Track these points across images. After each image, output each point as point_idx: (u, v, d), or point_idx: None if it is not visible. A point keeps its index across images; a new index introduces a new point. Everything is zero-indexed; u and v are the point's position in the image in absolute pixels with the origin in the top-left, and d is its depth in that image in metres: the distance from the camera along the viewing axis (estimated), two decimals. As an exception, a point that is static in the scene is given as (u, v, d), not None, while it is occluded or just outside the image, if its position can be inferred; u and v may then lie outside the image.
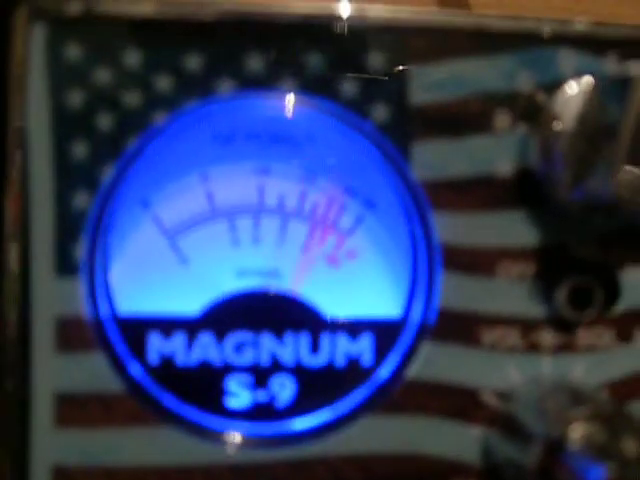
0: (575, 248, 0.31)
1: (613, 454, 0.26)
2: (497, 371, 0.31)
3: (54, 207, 0.30)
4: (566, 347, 0.31)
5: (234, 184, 0.32)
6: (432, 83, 0.30)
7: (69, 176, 0.30)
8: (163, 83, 0.30)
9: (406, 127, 0.30)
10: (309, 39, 0.30)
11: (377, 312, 0.32)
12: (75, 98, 0.30)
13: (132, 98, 0.30)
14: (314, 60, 0.30)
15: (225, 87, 0.30)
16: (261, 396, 0.32)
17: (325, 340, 0.32)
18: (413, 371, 0.31)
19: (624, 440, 0.26)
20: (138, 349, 0.31)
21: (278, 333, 0.32)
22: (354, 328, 0.32)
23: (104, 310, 0.31)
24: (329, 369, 0.32)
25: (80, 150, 0.30)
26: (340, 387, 0.32)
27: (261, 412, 0.31)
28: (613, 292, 0.31)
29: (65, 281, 0.30)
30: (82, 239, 0.30)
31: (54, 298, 0.30)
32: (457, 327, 0.31)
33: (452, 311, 0.31)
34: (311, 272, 0.32)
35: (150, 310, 0.31)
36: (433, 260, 0.31)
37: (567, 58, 0.31)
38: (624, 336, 0.31)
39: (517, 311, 0.31)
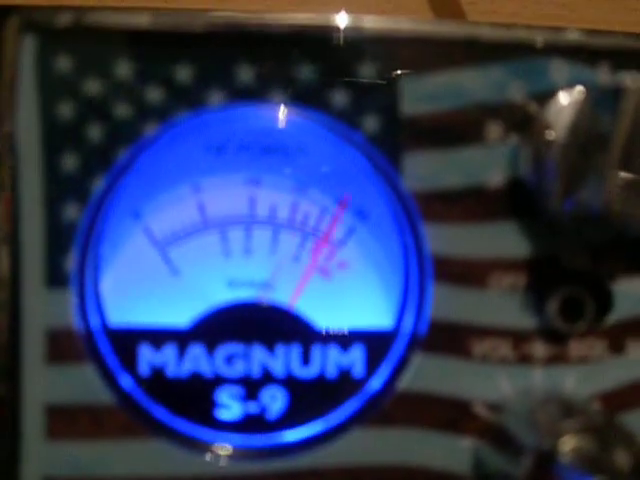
0: (567, 259, 0.31)
1: (604, 467, 0.26)
2: (488, 382, 0.31)
3: (44, 218, 0.29)
4: (557, 358, 0.31)
5: (225, 195, 0.32)
6: (423, 94, 0.30)
7: (59, 187, 0.30)
8: (154, 94, 0.30)
9: (397, 138, 0.30)
10: (302, 50, 0.30)
11: (368, 323, 0.32)
12: (66, 109, 0.29)
13: (123, 109, 0.30)
14: (306, 71, 0.30)
15: (216, 98, 0.30)
16: (252, 408, 0.31)
17: (316, 351, 0.32)
18: (404, 382, 0.31)
19: (615, 453, 0.26)
20: (129, 361, 0.31)
21: (269, 344, 0.31)
22: (345, 339, 0.32)
23: (94, 321, 0.31)
24: (320, 381, 0.32)
25: (71, 161, 0.30)
26: (331, 399, 0.32)
27: (252, 424, 0.31)
28: (605, 303, 0.31)
29: (55, 293, 0.30)
30: (72, 251, 0.30)
31: (44, 310, 0.29)
32: (448, 338, 0.31)
33: (443, 322, 0.31)
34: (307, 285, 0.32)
35: (141, 321, 0.31)
36: (424, 271, 0.31)
37: (559, 68, 0.31)
38: (616, 347, 0.31)
39: (508, 322, 0.31)
